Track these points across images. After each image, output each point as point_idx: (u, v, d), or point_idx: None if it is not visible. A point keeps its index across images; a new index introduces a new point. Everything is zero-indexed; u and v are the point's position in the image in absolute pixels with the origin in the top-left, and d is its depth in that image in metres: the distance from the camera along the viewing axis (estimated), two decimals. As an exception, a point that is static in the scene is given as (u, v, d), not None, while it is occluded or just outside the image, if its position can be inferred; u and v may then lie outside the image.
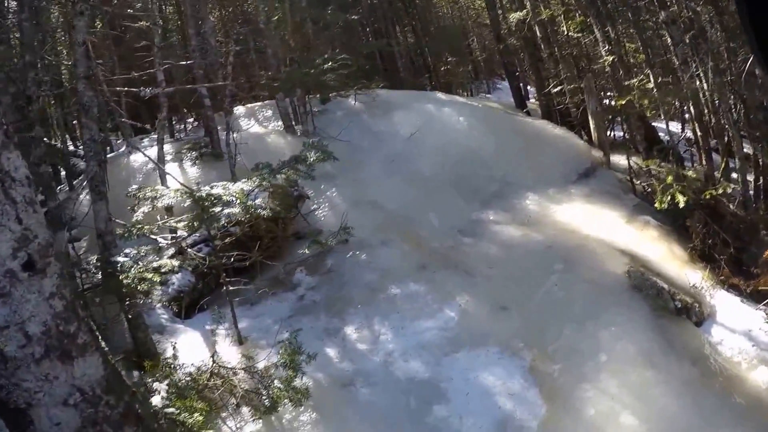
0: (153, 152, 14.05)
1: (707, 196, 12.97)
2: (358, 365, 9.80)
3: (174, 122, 20.28)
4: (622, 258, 12.37)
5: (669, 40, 15.09)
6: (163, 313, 10.78)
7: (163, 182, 11.75)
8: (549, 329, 10.71)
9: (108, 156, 17.36)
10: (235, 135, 14.02)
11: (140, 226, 8.77)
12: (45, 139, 15.93)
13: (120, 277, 8.20)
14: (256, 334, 10.26)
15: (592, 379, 9.89)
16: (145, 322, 9.46)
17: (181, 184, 10.40)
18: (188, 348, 9.59)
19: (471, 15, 35.58)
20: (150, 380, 7.29)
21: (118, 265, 8.31)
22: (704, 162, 15.83)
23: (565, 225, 13.48)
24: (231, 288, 9.92)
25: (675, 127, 21.04)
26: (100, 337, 4.35)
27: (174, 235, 10.05)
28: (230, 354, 9.41)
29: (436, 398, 9.37)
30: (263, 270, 11.57)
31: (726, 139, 16.17)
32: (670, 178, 12.77)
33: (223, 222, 9.40)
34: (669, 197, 12.81)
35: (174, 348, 8.64)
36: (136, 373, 8.97)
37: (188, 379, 7.63)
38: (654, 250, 12.96)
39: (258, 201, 10.40)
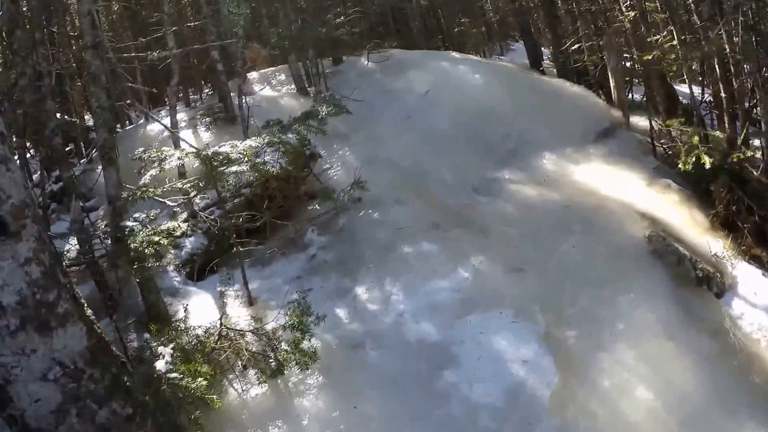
0: (167, 121, 13.60)
1: (734, 159, 12.30)
2: (369, 326, 9.47)
3: (190, 92, 19.79)
4: (642, 221, 11.88)
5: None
6: (176, 276, 10.53)
7: (177, 147, 11.28)
8: (565, 293, 10.28)
9: (127, 128, 17.02)
10: (248, 99, 13.51)
11: (145, 189, 8.32)
12: (58, 114, 15.54)
13: (128, 242, 7.80)
14: (266, 295, 10.00)
15: (609, 348, 9.47)
16: (157, 285, 9.24)
17: (191, 146, 9.94)
18: (199, 310, 9.38)
19: (485, -27, 34.56)
20: (155, 344, 6.88)
21: (127, 229, 7.93)
22: (727, 126, 15.15)
23: (583, 185, 12.97)
24: (242, 249, 9.57)
25: (696, 90, 20.26)
26: (85, 305, 3.90)
27: (185, 196, 9.59)
28: (240, 315, 9.20)
29: (446, 363, 9.01)
30: (275, 230, 11.16)
31: (747, 103, 15.48)
32: (695, 139, 12.15)
33: (232, 181, 8.97)
34: (693, 158, 12.14)
35: (185, 310, 8.52)
36: (147, 336, 8.82)
37: (195, 342, 7.22)
38: (675, 215, 12.42)
39: (268, 158, 9.92)
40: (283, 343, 7.76)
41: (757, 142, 14.80)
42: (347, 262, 10.69)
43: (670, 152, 14.25)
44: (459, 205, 12.25)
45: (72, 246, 10.47)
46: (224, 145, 9.06)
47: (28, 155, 14.98)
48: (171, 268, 10.48)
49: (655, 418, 8.66)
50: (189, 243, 10.85)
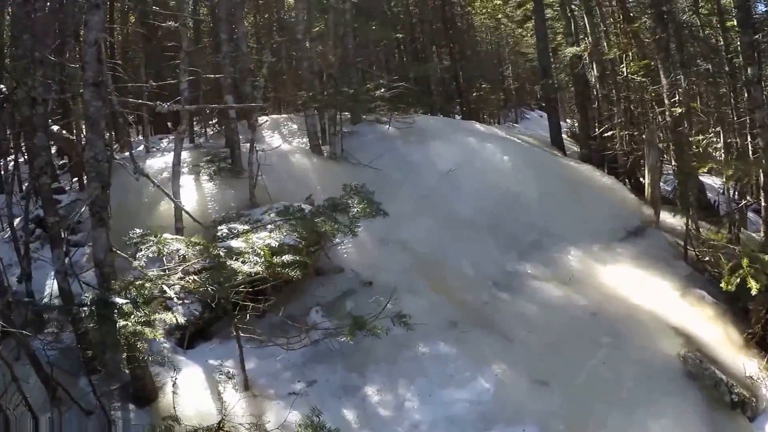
0: (169, 159, 13.02)
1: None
2: None
3: (195, 124, 18.99)
4: (675, 338, 11.23)
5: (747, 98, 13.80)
6: (165, 342, 9.73)
7: (176, 204, 10.51)
8: (593, 413, 9.55)
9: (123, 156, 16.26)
10: (258, 152, 12.82)
11: (140, 282, 7.48)
12: (56, 127, 14.83)
13: (116, 324, 6.96)
14: (264, 380, 9.34)
15: None
16: (146, 359, 8.39)
17: (194, 219, 9.21)
18: (189, 386, 8.89)
19: (509, 42, 34.40)
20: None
21: (116, 308, 7.09)
22: (764, 233, 14.55)
23: (611, 289, 12.25)
24: (239, 324, 8.84)
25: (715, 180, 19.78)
26: None
27: (180, 264, 8.78)
28: (234, 401, 8.65)
29: None
30: (276, 306, 10.31)
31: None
32: (745, 261, 11.44)
33: (241, 279, 8.13)
34: (738, 279, 11.47)
35: (174, 385, 8.16)
36: (131, 406, 8.48)
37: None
38: (709, 332, 11.75)
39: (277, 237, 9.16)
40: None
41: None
42: (355, 353, 9.87)
43: (706, 259, 13.57)
44: (478, 302, 11.48)
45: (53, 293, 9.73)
46: (236, 234, 8.30)
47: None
48: (160, 332, 9.64)
49: None
50: (181, 308, 10.01)
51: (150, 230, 8.07)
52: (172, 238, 7.94)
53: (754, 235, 15.10)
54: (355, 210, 9.04)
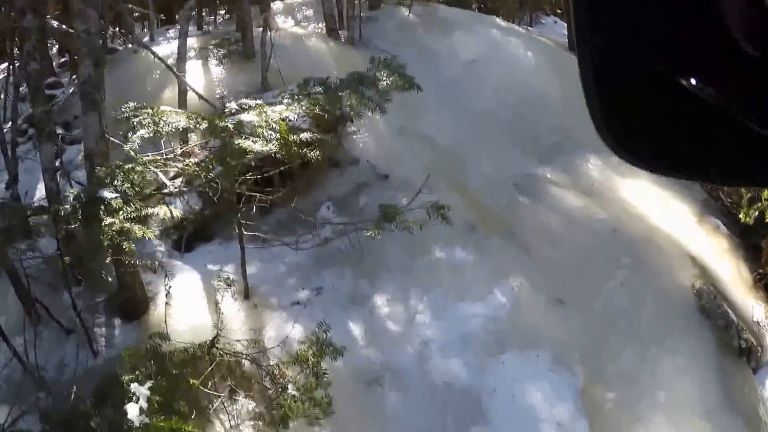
0: (175, 46, 11.24)
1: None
2: (388, 355, 7.59)
3: (204, 13, 16.74)
4: (692, 268, 10.09)
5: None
6: (160, 245, 8.45)
7: (181, 86, 8.63)
8: (609, 344, 8.59)
9: (120, 50, 14.19)
10: (271, 34, 10.94)
11: (130, 165, 5.82)
12: (56, 23, 12.77)
13: (102, 224, 5.50)
14: (267, 287, 8.10)
15: (647, 420, 7.95)
16: (136, 263, 6.99)
17: (200, 96, 7.50)
18: (184, 296, 7.63)
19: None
20: (128, 377, 4.64)
21: (102, 204, 5.68)
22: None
23: (631, 206, 11.02)
24: (245, 223, 7.31)
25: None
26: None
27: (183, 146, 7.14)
28: (233, 312, 7.45)
29: (476, 418, 7.27)
30: (284, 200, 8.76)
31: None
32: (766, 193, 10.05)
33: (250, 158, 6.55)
34: (756, 212, 10.16)
35: (168, 296, 7.01)
36: (117, 321, 7.37)
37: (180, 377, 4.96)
38: (722, 266, 10.70)
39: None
40: (290, 386, 5.51)
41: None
42: (366, 257, 8.47)
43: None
44: (499, 206, 10.13)
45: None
46: (248, 105, 6.64)
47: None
48: (155, 232, 8.14)
49: None
50: (180, 204, 8.46)
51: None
52: (171, 111, 6.33)
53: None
54: (385, 83, 7.42)
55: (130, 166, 6.06)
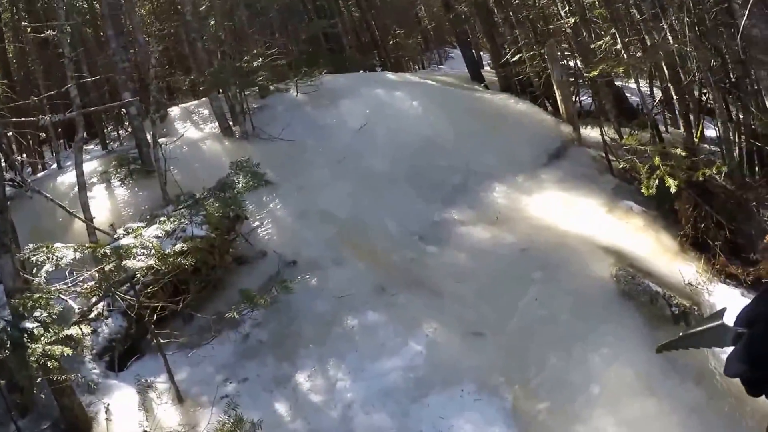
0: (73, 176, 12.12)
1: (700, 177, 11.10)
2: (313, 424, 8.16)
3: (107, 127, 17.80)
4: (606, 257, 10.73)
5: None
6: (94, 367, 9.11)
7: (86, 212, 9.63)
8: (531, 358, 9.10)
9: (39, 176, 15.26)
10: (165, 146, 11.97)
11: (39, 296, 6.82)
12: None
13: (28, 351, 6.54)
14: (198, 389, 8.72)
15: (585, 417, 8.32)
16: (71, 387, 7.83)
17: (91, 226, 8.48)
18: (123, 410, 8.40)
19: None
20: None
21: (27, 333, 6.70)
22: (683, 128, 14.01)
23: (539, 221, 11.69)
24: (166, 335, 8.22)
25: (644, 86, 19.06)
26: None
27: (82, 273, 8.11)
28: (169, 417, 8.28)
29: None
30: (202, 304, 9.65)
31: (700, 100, 14.38)
32: (657, 159, 10.91)
33: (139, 277, 7.52)
34: (656, 180, 10.95)
35: (107, 412, 7.95)
36: None
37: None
38: (640, 243, 11.33)
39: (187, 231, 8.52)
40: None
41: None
42: (285, 341, 9.28)
43: (628, 167, 13.00)
44: (405, 261, 10.83)
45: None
46: (127, 231, 7.68)
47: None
48: (88, 357, 8.98)
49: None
50: (106, 327, 9.36)
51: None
52: (62, 246, 7.24)
53: (681, 131, 14.51)
54: (241, 185, 8.51)
55: (39, 296, 7.02)
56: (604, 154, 13.55)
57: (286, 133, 13.77)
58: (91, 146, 16.54)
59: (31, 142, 17.01)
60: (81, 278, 8.37)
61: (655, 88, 18.58)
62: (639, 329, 9.50)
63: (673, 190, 10.84)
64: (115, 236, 8.23)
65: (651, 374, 8.74)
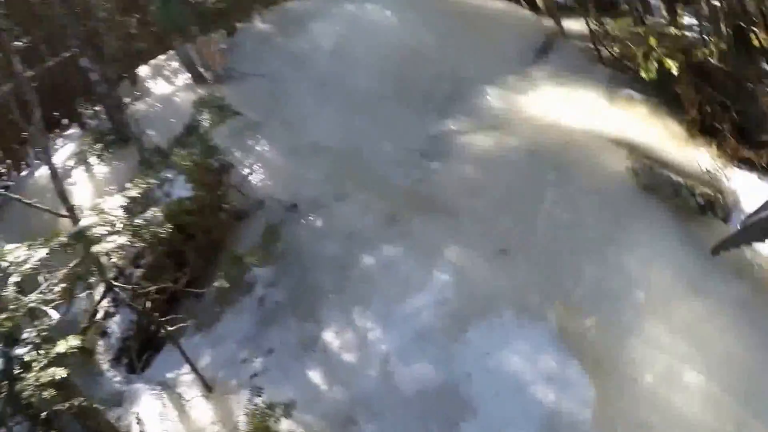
0: (63, 156, 11.76)
1: (698, 57, 10.14)
2: (353, 389, 7.34)
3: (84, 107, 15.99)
4: (618, 150, 9.98)
5: None
6: (115, 375, 8.34)
7: (65, 202, 8.30)
8: (565, 269, 8.30)
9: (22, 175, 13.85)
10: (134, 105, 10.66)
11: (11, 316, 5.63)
12: None
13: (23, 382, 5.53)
14: (224, 372, 7.90)
15: (636, 329, 7.67)
16: (93, 406, 6.71)
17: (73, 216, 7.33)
18: (154, 415, 7.58)
19: None
20: None
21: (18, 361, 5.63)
22: (667, 13, 12.92)
23: (540, 120, 10.76)
24: (178, 320, 7.21)
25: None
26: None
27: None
28: (202, 412, 7.48)
29: (460, 413, 6.95)
30: (209, 273, 8.60)
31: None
32: (653, 40, 9.88)
33: (114, 260, 6.36)
34: (655, 64, 9.95)
35: (139, 423, 7.19)
36: None
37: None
38: (648, 132, 10.53)
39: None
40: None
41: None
42: (303, 298, 8.32)
43: (617, 54, 12.00)
44: (412, 183, 9.81)
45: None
46: (93, 210, 6.51)
47: None
48: (105, 365, 8.01)
49: (715, 405, 7.06)
50: (116, 325, 8.34)
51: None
52: (12, 248, 6.02)
53: (661, 20, 13.41)
54: (207, 125, 7.33)
55: (11, 315, 5.89)
56: (592, 45, 12.44)
57: (260, 68, 12.48)
58: (71, 131, 14.85)
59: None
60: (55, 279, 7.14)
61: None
62: (668, 224, 8.88)
63: (675, 72, 9.95)
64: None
65: (691, 273, 8.18)
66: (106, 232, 6.23)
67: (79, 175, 11.60)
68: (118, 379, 8.33)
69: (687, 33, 12.79)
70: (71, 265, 6.36)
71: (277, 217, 9.38)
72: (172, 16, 11.96)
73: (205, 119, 7.38)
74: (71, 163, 11.87)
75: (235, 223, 9.61)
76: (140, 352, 8.61)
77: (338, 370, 7.49)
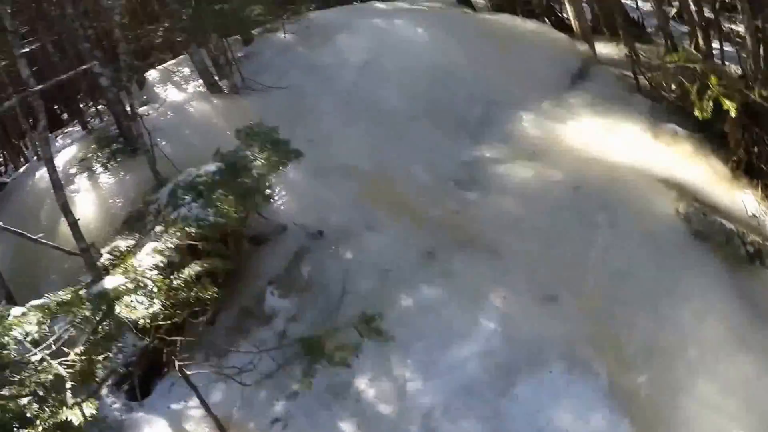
0: (65, 158, 10.90)
1: (755, 98, 9.52)
2: None
3: (86, 105, 15.09)
4: (668, 192, 9.33)
5: None
6: (114, 401, 7.54)
7: (67, 215, 7.41)
8: (617, 319, 7.71)
9: (20, 173, 13.04)
10: (147, 115, 9.87)
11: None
12: None
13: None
14: (240, 413, 7.15)
15: (689, 387, 7.17)
16: None
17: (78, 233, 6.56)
18: None
19: None
20: None
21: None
22: (701, 42, 12.29)
23: (582, 152, 10.11)
24: (187, 347, 6.45)
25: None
26: None
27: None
28: None
29: None
30: (222, 300, 7.70)
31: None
32: (714, 79, 9.21)
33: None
34: (711, 103, 9.30)
35: None
36: None
37: None
38: (695, 172, 9.97)
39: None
40: None
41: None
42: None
43: (653, 84, 11.51)
44: (447, 213, 9.10)
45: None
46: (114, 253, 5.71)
47: None
48: (104, 390, 7.21)
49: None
50: (117, 349, 7.42)
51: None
52: (19, 313, 5.09)
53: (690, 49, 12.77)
54: (262, 165, 6.45)
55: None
56: (628, 73, 11.81)
57: (281, 80, 11.59)
58: (71, 128, 14.03)
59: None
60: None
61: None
62: (720, 274, 8.35)
63: (733, 113, 9.21)
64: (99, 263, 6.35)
65: (742, 327, 7.72)
66: (140, 302, 5.32)
67: (81, 182, 10.62)
68: (117, 406, 7.55)
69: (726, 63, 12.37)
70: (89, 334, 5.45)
71: (301, 244, 8.66)
72: (205, 21, 11.11)
73: (259, 157, 6.48)
74: (73, 170, 10.96)
75: (254, 248, 8.80)
76: (143, 379, 7.82)
77: (374, 422, 6.77)
